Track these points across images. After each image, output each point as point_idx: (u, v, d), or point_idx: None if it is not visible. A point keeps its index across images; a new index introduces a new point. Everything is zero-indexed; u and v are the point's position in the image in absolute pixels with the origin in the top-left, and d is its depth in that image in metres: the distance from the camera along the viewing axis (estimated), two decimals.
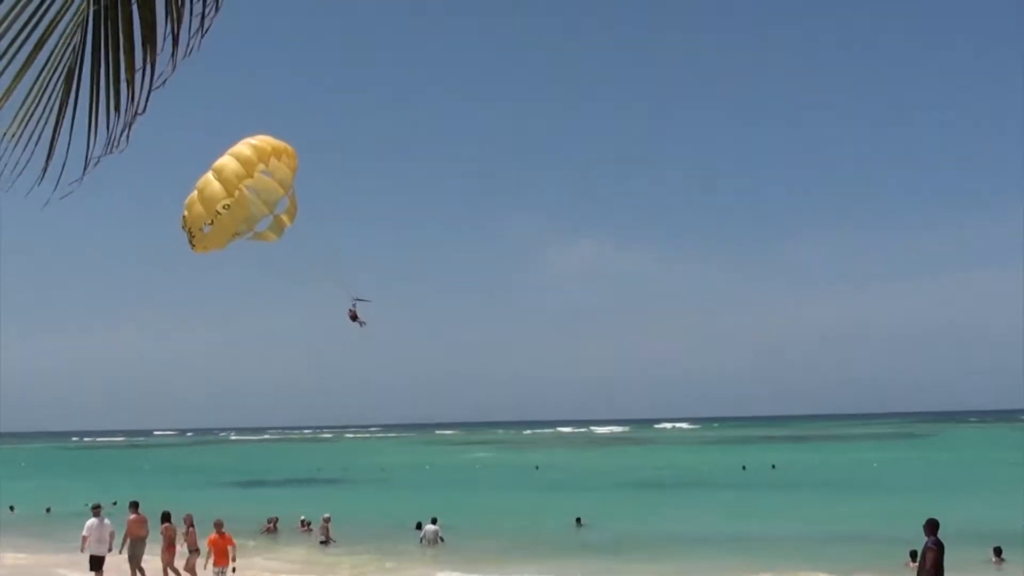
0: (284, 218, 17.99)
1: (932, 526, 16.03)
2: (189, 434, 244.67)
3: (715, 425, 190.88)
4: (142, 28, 4.12)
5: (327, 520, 32.32)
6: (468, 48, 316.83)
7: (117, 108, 4.35)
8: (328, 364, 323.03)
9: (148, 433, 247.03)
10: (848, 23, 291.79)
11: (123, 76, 4.31)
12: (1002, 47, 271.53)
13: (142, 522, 23.04)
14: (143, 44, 4.20)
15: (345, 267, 19.94)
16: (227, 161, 17.24)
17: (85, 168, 4.48)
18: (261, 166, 17.35)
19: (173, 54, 4.08)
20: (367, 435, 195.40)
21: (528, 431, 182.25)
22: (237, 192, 16.97)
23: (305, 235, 18.41)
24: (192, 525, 23.91)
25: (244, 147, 17.40)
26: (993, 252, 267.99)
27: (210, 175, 17.28)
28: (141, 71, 4.27)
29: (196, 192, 17.37)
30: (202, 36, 4.01)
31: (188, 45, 4.05)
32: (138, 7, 4.05)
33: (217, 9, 3.95)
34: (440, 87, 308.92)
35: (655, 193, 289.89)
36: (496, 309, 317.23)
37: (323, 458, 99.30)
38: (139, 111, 4.34)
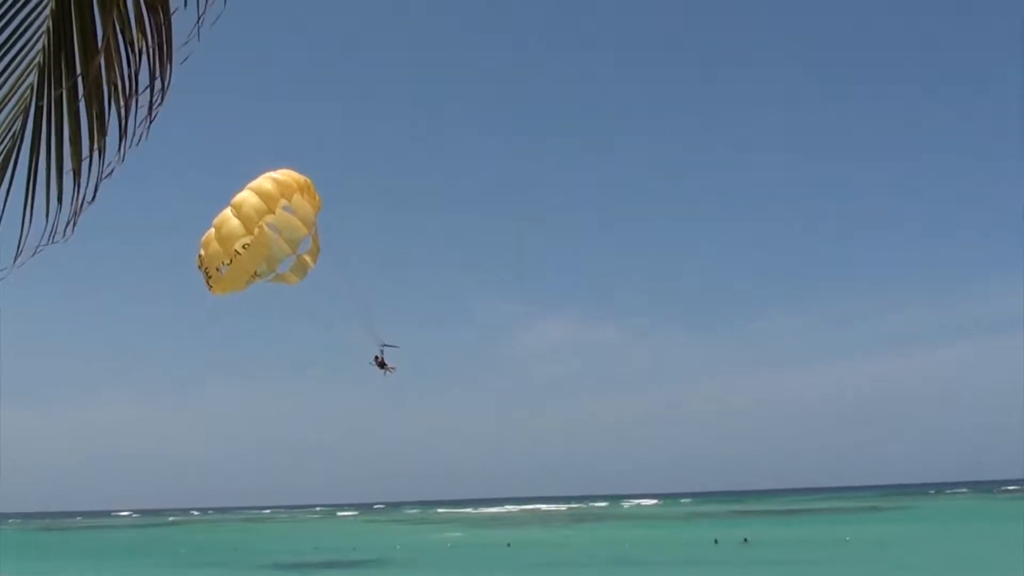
0: (307, 259, 16.82)
1: None
2: (134, 515, 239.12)
3: (683, 500, 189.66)
4: (88, 119, 4.02)
5: None
6: (437, 152, 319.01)
7: (60, 199, 4.22)
8: (288, 441, 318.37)
9: (106, 514, 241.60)
10: (808, 114, 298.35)
11: (66, 167, 4.20)
12: (972, 125, 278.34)
13: None
14: (90, 134, 4.08)
15: (372, 310, 18.51)
16: (247, 196, 16.13)
17: (16, 256, 4.33)
18: (283, 202, 16.27)
19: (120, 145, 3.97)
20: (321, 515, 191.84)
21: (492, 508, 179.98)
22: (257, 230, 15.85)
23: (327, 276, 17.21)
24: None
25: (265, 181, 16.31)
26: (963, 327, 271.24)
27: (228, 211, 16.15)
28: (88, 160, 4.15)
29: (213, 229, 16.23)
30: (149, 124, 3.90)
31: (135, 134, 3.94)
32: (85, 100, 3.94)
33: (163, 100, 3.85)
34: (415, 186, 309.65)
35: (623, 274, 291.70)
36: (456, 391, 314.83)
37: (290, 538, 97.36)
38: (88, 200, 4.21)
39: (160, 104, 3.93)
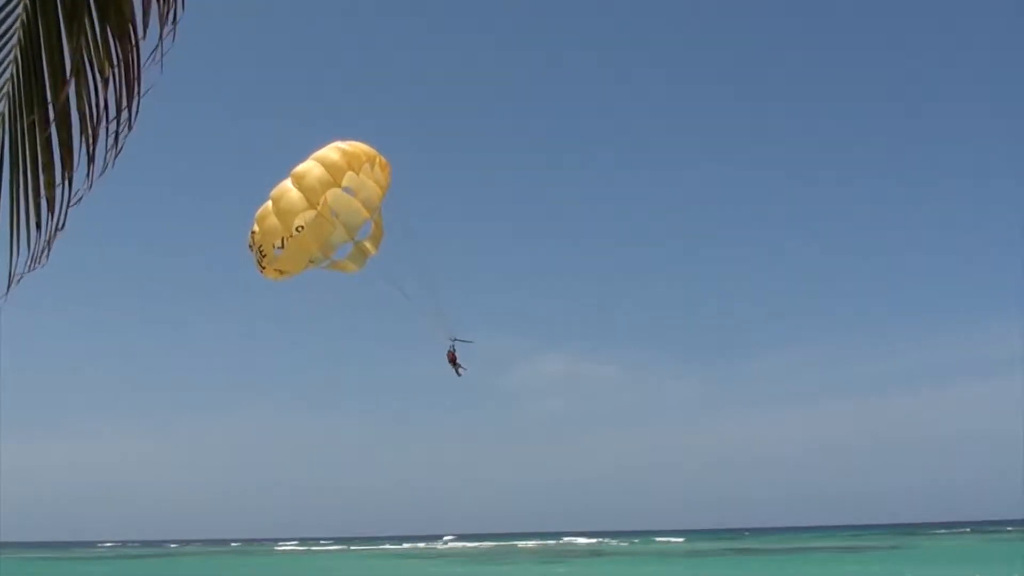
0: (367, 245, 15.17)
1: None
2: (118, 546, 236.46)
3: (676, 539, 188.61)
4: (60, 147, 4.13)
5: None
6: (439, 187, 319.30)
7: (39, 226, 4.34)
8: (269, 472, 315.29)
9: (92, 544, 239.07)
10: (813, 158, 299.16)
11: (43, 194, 4.29)
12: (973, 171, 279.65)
13: None
14: (63, 162, 4.20)
15: (445, 301, 16.69)
16: (311, 166, 14.39)
17: (9, 285, 4.45)
18: (351, 175, 14.48)
19: (89, 172, 4.08)
20: (301, 547, 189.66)
21: (472, 543, 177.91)
22: (320, 204, 14.12)
23: (397, 260, 15.46)
24: None
25: (332, 151, 14.59)
26: (959, 366, 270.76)
27: (288, 182, 14.41)
28: (61, 187, 4.25)
29: (270, 202, 14.46)
30: (116, 154, 3.99)
31: (104, 162, 4.04)
32: (56, 127, 4.03)
33: (130, 128, 3.93)
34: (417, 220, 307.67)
35: (627, 309, 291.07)
36: (456, 423, 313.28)
37: (285, 571, 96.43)
38: (60, 227, 4.34)
39: (128, 133, 4.01)
